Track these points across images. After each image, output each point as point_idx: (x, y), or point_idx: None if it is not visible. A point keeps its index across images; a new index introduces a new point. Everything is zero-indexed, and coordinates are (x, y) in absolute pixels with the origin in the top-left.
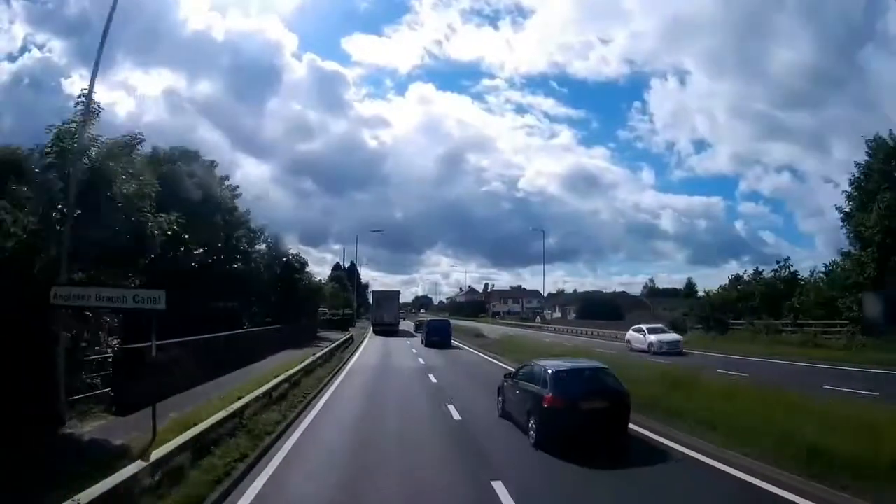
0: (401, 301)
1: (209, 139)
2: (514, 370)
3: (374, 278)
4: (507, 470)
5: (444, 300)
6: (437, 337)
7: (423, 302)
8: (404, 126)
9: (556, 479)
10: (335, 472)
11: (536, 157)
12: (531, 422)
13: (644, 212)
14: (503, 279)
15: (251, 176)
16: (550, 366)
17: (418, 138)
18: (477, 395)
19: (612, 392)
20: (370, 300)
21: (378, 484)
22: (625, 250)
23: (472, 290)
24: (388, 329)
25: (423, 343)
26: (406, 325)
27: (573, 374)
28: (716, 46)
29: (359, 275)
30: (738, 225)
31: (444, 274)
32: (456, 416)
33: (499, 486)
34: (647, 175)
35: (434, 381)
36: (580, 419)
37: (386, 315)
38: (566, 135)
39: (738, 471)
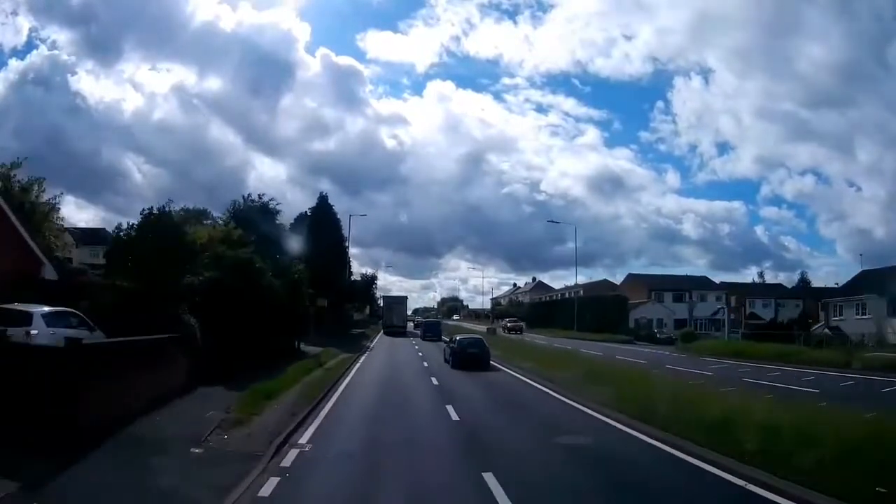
0: (426, 306)
1: (220, 137)
2: (448, 339)
3: (393, 283)
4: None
5: (501, 301)
6: (430, 333)
7: (452, 306)
8: (422, 125)
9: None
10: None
11: (558, 159)
12: (449, 357)
13: (665, 216)
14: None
15: (266, 176)
16: (459, 336)
17: (437, 138)
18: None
19: (481, 346)
20: (380, 302)
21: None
22: (646, 255)
23: (541, 285)
24: (397, 330)
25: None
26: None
27: (466, 339)
28: (741, 43)
29: (338, 224)
30: (759, 230)
31: (463, 279)
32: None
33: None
34: (669, 178)
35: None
36: (466, 356)
37: (395, 318)
38: (588, 136)
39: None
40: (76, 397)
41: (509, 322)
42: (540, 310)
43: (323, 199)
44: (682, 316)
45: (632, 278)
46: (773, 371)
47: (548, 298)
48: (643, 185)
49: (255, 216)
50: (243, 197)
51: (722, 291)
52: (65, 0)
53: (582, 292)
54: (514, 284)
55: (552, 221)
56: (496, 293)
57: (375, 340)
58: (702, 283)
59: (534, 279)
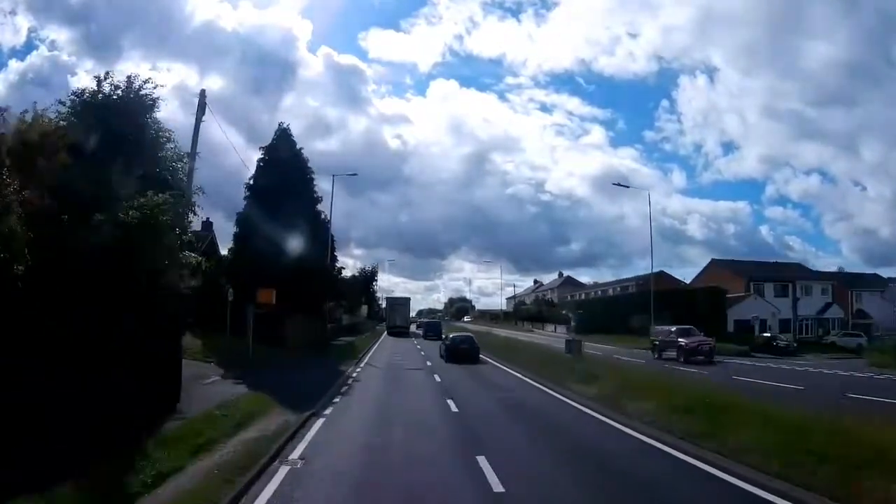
0: (430, 308)
1: (222, 136)
2: (445, 337)
3: (396, 284)
4: (438, 366)
5: (525, 300)
6: (431, 332)
7: (461, 306)
8: (426, 125)
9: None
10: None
11: (563, 159)
12: (443, 352)
13: (670, 216)
14: (527, 286)
15: None
16: (452, 334)
17: (440, 138)
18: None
19: (471, 342)
20: (381, 303)
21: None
22: (650, 255)
23: (569, 281)
24: (400, 331)
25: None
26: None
27: (458, 337)
28: (747, 41)
29: (309, 179)
30: (765, 230)
31: (468, 280)
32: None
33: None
34: (674, 178)
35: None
36: (459, 351)
37: (398, 319)
38: (592, 136)
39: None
40: None
41: (685, 339)
42: (593, 309)
43: (283, 134)
44: (786, 315)
45: (716, 266)
46: None
47: (584, 296)
48: (648, 184)
49: (113, 108)
50: (97, 79)
51: (828, 282)
52: None
53: (632, 288)
54: (535, 281)
55: (617, 184)
56: (502, 293)
57: (365, 361)
58: (799, 272)
59: (560, 274)
